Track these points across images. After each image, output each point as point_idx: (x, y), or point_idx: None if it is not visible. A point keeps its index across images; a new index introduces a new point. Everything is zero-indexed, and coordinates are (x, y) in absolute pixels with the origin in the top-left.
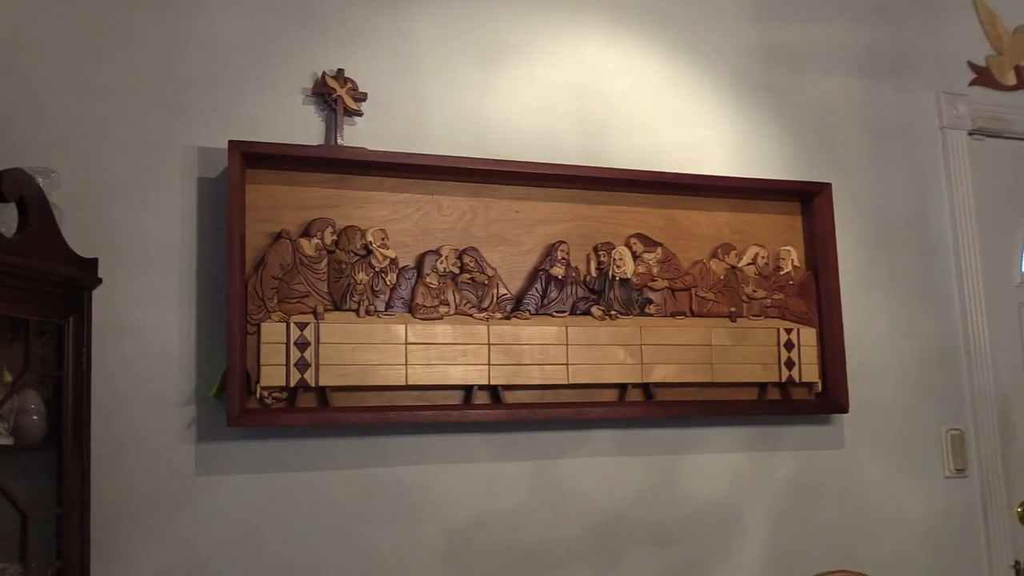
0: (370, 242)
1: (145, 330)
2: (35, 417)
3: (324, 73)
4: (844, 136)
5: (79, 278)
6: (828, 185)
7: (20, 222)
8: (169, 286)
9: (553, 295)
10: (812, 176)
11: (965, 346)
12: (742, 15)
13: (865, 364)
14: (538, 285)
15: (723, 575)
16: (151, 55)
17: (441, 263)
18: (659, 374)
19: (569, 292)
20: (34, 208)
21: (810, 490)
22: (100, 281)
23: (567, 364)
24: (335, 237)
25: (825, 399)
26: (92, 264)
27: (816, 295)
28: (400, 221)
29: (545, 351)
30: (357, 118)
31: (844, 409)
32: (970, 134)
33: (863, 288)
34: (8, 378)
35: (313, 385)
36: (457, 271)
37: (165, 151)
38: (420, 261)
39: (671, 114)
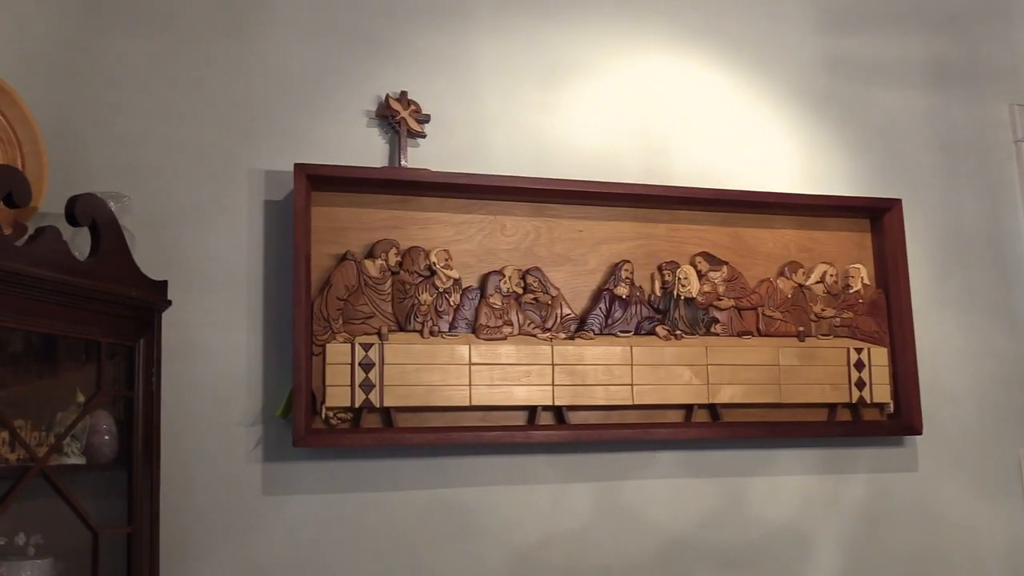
0: (434, 263)
1: (213, 351)
2: (106, 437)
3: (388, 95)
4: (914, 150)
5: (150, 300)
6: (898, 201)
7: (93, 246)
8: (237, 307)
9: (617, 315)
10: (881, 192)
11: None
12: (806, 27)
13: (939, 384)
14: (602, 305)
15: None
16: (219, 80)
17: (504, 283)
18: (726, 395)
19: (633, 312)
20: (106, 232)
21: (883, 514)
22: (170, 303)
23: (632, 384)
24: (399, 258)
25: (898, 420)
26: (162, 286)
27: (887, 314)
28: (463, 242)
29: (610, 371)
30: (420, 140)
31: (918, 431)
32: None
33: (935, 306)
34: (80, 399)
35: (378, 406)
36: (520, 291)
37: (233, 175)
38: (484, 281)
39: (735, 130)
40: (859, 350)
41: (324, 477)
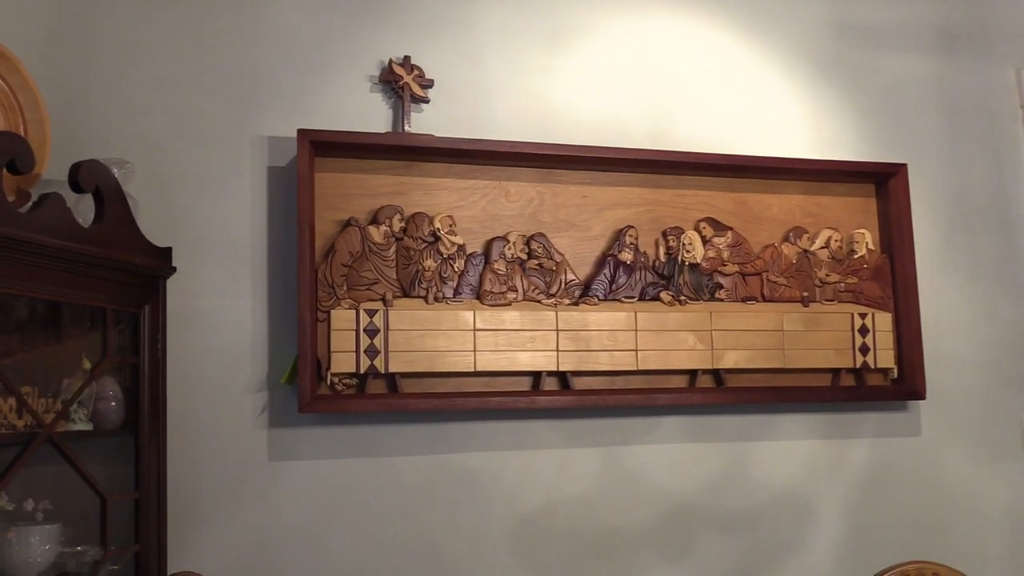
0: (438, 229)
1: (218, 318)
2: (113, 403)
3: (391, 60)
4: (920, 115)
5: (154, 267)
6: (903, 166)
7: (97, 212)
8: (241, 274)
9: (621, 280)
10: (887, 157)
11: None
12: None
13: (943, 349)
14: (606, 270)
15: (795, 565)
16: (221, 47)
17: (509, 249)
18: (730, 360)
19: (638, 277)
20: (110, 198)
21: (886, 478)
22: (175, 270)
23: (636, 350)
24: (403, 224)
25: (901, 385)
26: (167, 253)
27: (892, 279)
28: (467, 208)
29: (614, 337)
30: (424, 105)
31: (921, 396)
32: None
33: (940, 271)
34: (87, 365)
35: (383, 371)
36: (525, 257)
37: (236, 141)
38: (488, 247)
39: (740, 95)
40: (863, 315)
41: (329, 443)
